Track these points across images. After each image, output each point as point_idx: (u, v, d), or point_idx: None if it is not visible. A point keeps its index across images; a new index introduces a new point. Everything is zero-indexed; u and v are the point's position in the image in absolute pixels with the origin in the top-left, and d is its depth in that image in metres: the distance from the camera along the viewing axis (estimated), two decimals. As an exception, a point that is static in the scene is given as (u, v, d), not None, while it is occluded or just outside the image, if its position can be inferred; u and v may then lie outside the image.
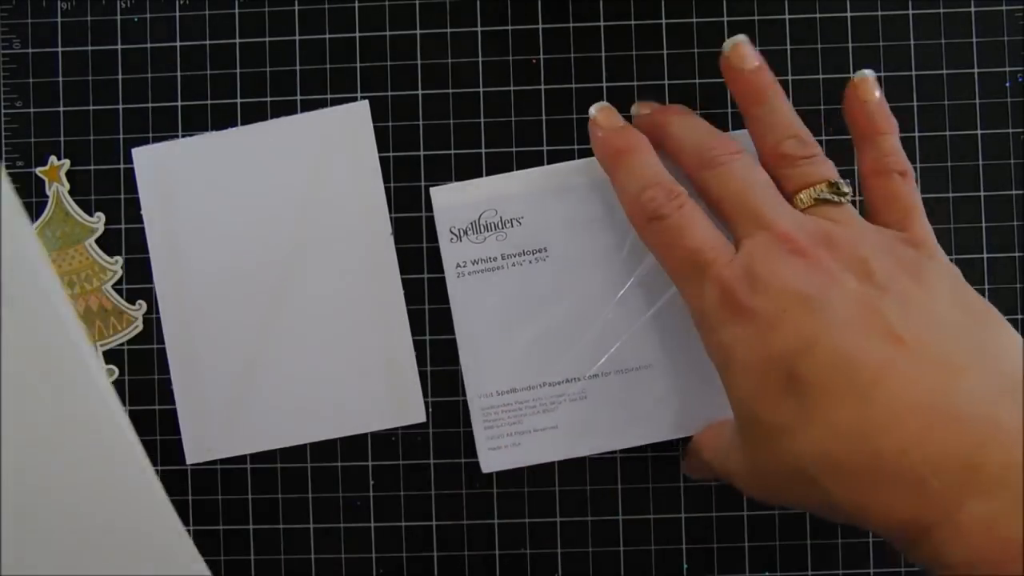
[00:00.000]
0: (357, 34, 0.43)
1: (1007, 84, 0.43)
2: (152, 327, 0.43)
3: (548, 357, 0.41)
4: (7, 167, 0.44)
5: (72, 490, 0.39)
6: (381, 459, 0.43)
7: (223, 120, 0.43)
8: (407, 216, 0.43)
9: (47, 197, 0.43)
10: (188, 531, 0.43)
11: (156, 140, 0.43)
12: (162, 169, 0.43)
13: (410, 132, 0.43)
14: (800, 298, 0.31)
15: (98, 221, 0.43)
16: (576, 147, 0.43)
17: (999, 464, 0.26)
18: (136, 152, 0.43)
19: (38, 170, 0.43)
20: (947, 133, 0.43)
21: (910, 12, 0.43)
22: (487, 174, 0.43)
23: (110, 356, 0.43)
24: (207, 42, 0.44)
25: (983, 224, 0.43)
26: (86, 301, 0.43)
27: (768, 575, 0.43)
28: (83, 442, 0.39)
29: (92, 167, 0.44)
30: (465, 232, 0.41)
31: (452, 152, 0.43)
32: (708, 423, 0.40)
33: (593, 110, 0.39)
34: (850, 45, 0.43)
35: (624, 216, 0.37)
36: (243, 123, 0.43)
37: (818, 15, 0.43)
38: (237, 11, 0.44)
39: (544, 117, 0.43)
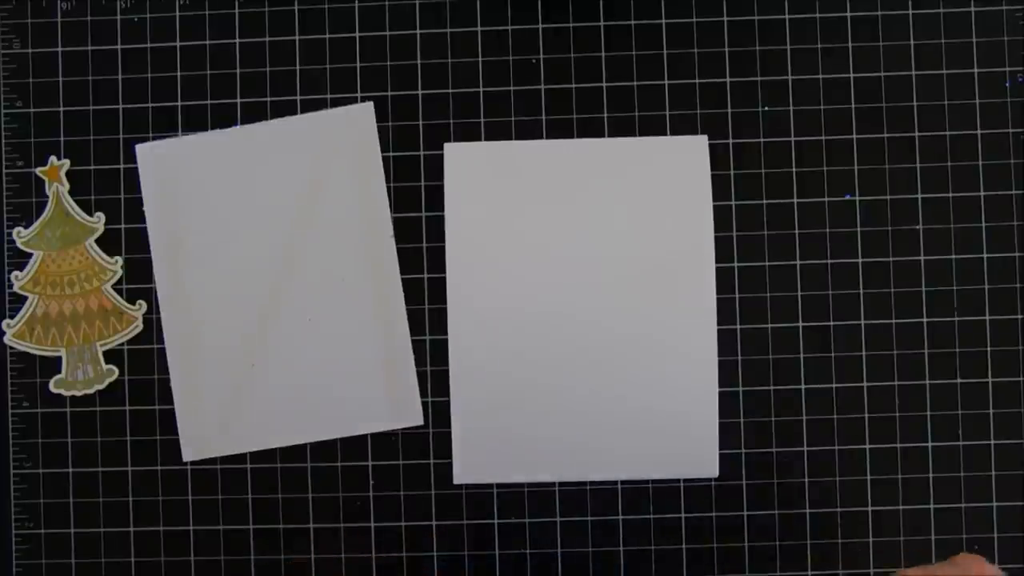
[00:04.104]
0: (357, 34, 0.43)
1: (1007, 84, 0.43)
2: (152, 327, 0.43)
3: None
4: (7, 167, 0.44)
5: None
6: (381, 459, 0.43)
7: (223, 120, 0.43)
8: (407, 216, 0.43)
9: (47, 197, 0.43)
10: (188, 531, 0.43)
11: (156, 140, 0.44)
12: (164, 166, 0.43)
13: (410, 132, 0.43)
14: None
15: (98, 221, 0.43)
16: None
17: None
18: (139, 148, 0.43)
19: (38, 170, 0.43)
20: (947, 133, 0.43)
21: (910, 12, 0.43)
22: (487, 174, 0.43)
23: (110, 356, 0.43)
24: (207, 42, 0.44)
25: (983, 224, 0.43)
26: (86, 301, 0.43)
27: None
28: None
29: (92, 167, 0.43)
30: None
31: (452, 152, 0.43)
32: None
33: None
34: (850, 45, 0.43)
35: None
36: (243, 123, 0.43)
37: (818, 15, 0.43)
38: (237, 11, 0.44)
39: (544, 117, 0.43)
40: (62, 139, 0.44)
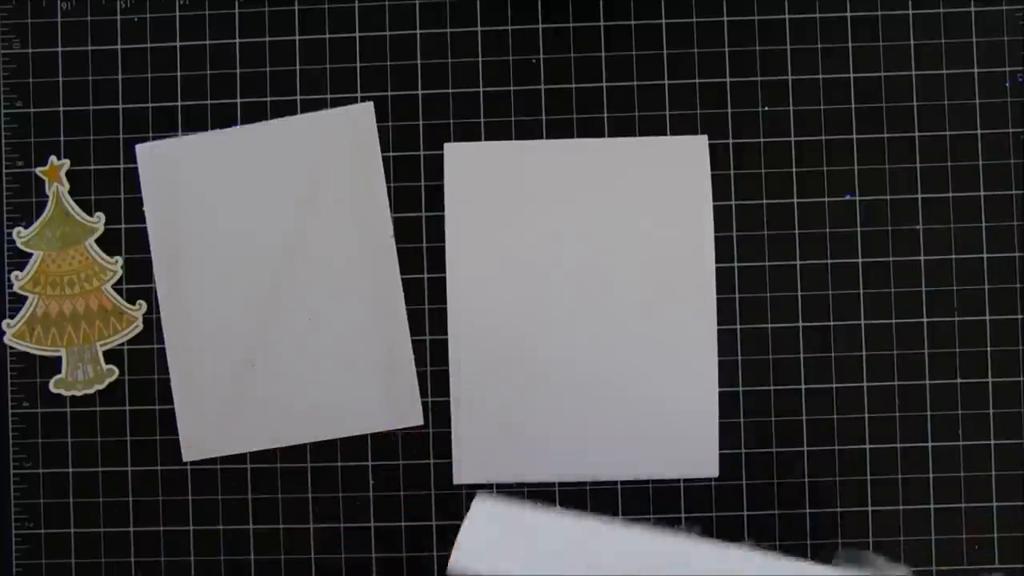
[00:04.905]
0: (357, 34, 0.43)
1: (1007, 84, 0.43)
2: (152, 327, 0.43)
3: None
4: (7, 167, 0.44)
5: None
6: (381, 459, 0.43)
7: (223, 120, 0.43)
8: (407, 216, 0.43)
9: (47, 197, 0.43)
10: (188, 531, 0.43)
11: (156, 140, 0.44)
12: (164, 166, 0.43)
13: (410, 132, 0.43)
14: None
15: (98, 221, 0.43)
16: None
17: None
18: (139, 148, 0.43)
19: (38, 170, 0.43)
20: (947, 133, 0.43)
21: (910, 12, 0.43)
22: (487, 174, 0.43)
23: (110, 356, 0.43)
24: (207, 42, 0.44)
25: (983, 224, 0.43)
26: (86, 301, 0.43)
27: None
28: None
29: (92, 167, 0.44)
30: None
31: (452, 152, 0.43)
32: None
33: None
34: (850, 45, 0.43)
35: None
36: (243, 123, 0.43)
37: (818, 15, 0.43)
38: (237, 11, 0.44)
39: (544, 117, 0.43)
40: (62, 139, 0.44)
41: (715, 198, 0.43)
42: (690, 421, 0.42)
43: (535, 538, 0.33)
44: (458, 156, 0.43)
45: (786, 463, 0.43)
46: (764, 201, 0.43)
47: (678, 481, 0.43)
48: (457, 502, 0.43)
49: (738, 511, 0.43)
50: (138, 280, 0.43)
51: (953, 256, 0.43)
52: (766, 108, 0.43)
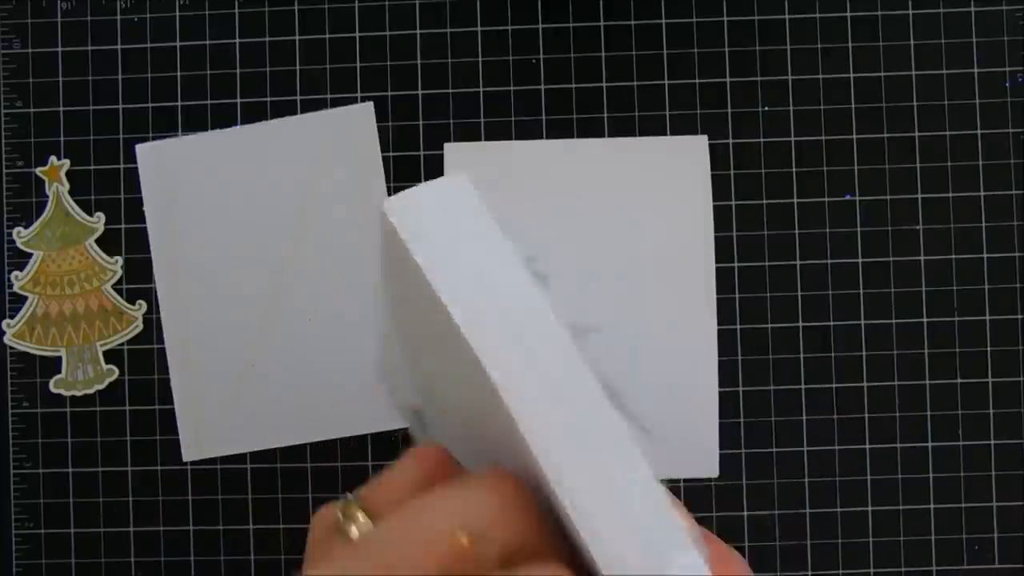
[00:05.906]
0: (357, 34, 0.43)
1: (1007, 84, 0.43)
2: (152, 327, 0.43)
3: None
4: (7, 167, 0.44)
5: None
6: (381, 459, 0.43)
7: (223, 120, 0.43)
8: (407, 216, 0.43)
9: (47, 197, 0.43)
10: (188, 531, 0.43)
11: (156, 140, 0.44)
12: (164, 166, 0.43)
13: (410, 132, 0.43)
14: None
15: (98, 221, 0.43)
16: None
17: None
18: (139, 148, 0.43)
19: (38, 170, 0.43)
20: (947, 133, 0.43)
21: (910, 12, 0.43)
22: (487, 174, 0.43)
23: (110, 356, 0.43)
24: (207, 42, 0.44)
25: (983, 224, 0.43)
26: (86, 301, 0.43)
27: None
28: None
29: (92, 167, 0.44)
30: None
31: (452, 152, 0.43)
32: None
33: None
34: (850, 45, 0.43)
35: None
36: (243, 123, 0.43)
37: (818, 15, 0.43)
38: (237, 11, 0.44)
39: (544, 117, 0.43)
40: (62, 139, 0.44)
41: (715, 198, 0.43)
42: (690, 421, 0.42)
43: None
44: (458, 156, 0.43)
45: (786, 463, 0.43)
46: (764, 201, 0.43)
47: (678, 481, 0.43)
48: (457, 502, 0.43)
49: (738, 511, 0.43)
50: (138, 280, 0.43)
51: (953, 256, 0.43)
52: (766, 108, 0.43)
